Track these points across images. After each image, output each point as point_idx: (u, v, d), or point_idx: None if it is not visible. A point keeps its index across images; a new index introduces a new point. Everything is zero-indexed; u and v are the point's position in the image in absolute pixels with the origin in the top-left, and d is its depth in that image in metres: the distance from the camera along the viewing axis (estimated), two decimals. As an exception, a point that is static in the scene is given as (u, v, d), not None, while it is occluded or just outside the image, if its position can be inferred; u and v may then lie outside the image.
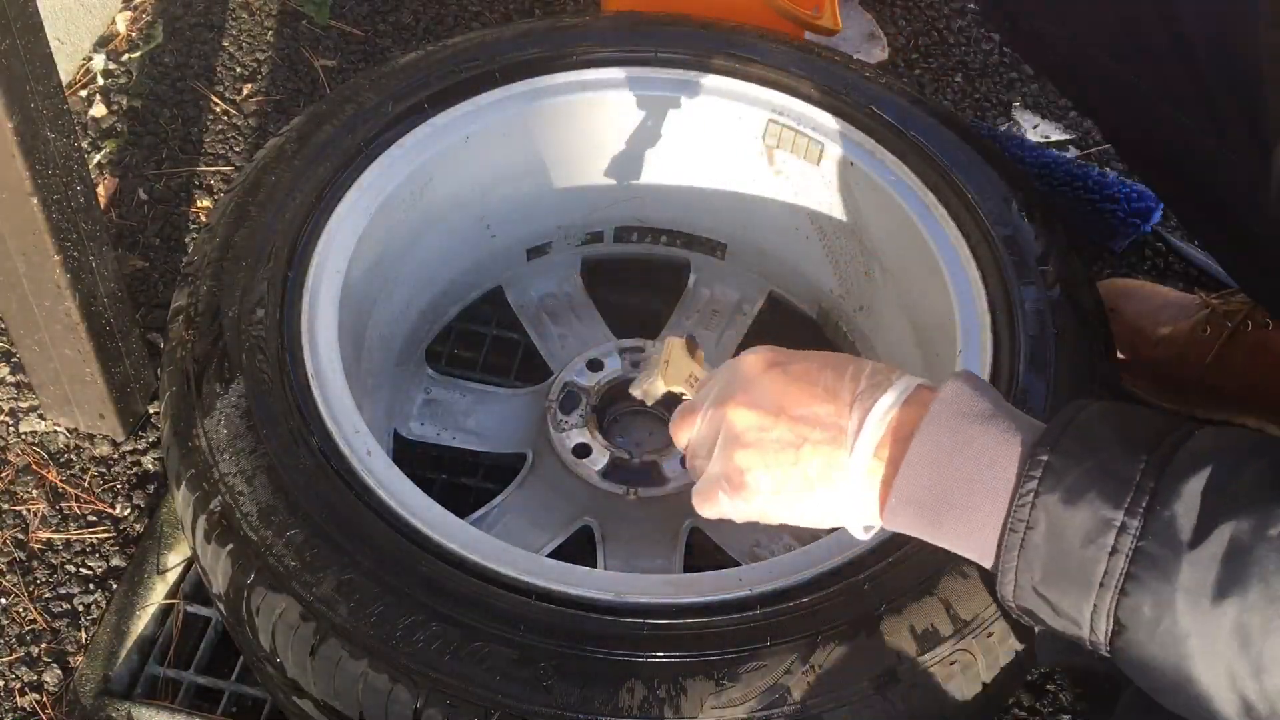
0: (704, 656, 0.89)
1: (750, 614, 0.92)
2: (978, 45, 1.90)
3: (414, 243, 1.30)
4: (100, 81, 1.74)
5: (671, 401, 1.28)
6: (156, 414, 1.38)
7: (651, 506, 1.23)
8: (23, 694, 1.20)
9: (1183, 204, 1.32)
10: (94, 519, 1.32)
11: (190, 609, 1.25)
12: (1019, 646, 0.95)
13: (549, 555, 1.18)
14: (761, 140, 1.34)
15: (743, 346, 1.44)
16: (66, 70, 1.72)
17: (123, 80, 1.74)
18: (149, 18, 1.82)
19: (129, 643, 1.22)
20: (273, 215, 1.15)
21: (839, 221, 1.35)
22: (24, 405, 1.40)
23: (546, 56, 1.31)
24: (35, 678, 1.22)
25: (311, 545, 0.94)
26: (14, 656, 1.23)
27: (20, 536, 1.30)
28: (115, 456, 1.37)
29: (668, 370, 0.97)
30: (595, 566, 1.22)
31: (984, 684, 0.93)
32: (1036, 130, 1.79)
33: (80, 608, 1.26)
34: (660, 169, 1.41)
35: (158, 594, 1.25)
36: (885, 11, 1.93)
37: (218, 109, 1.72)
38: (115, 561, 1.29)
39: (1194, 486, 0.68)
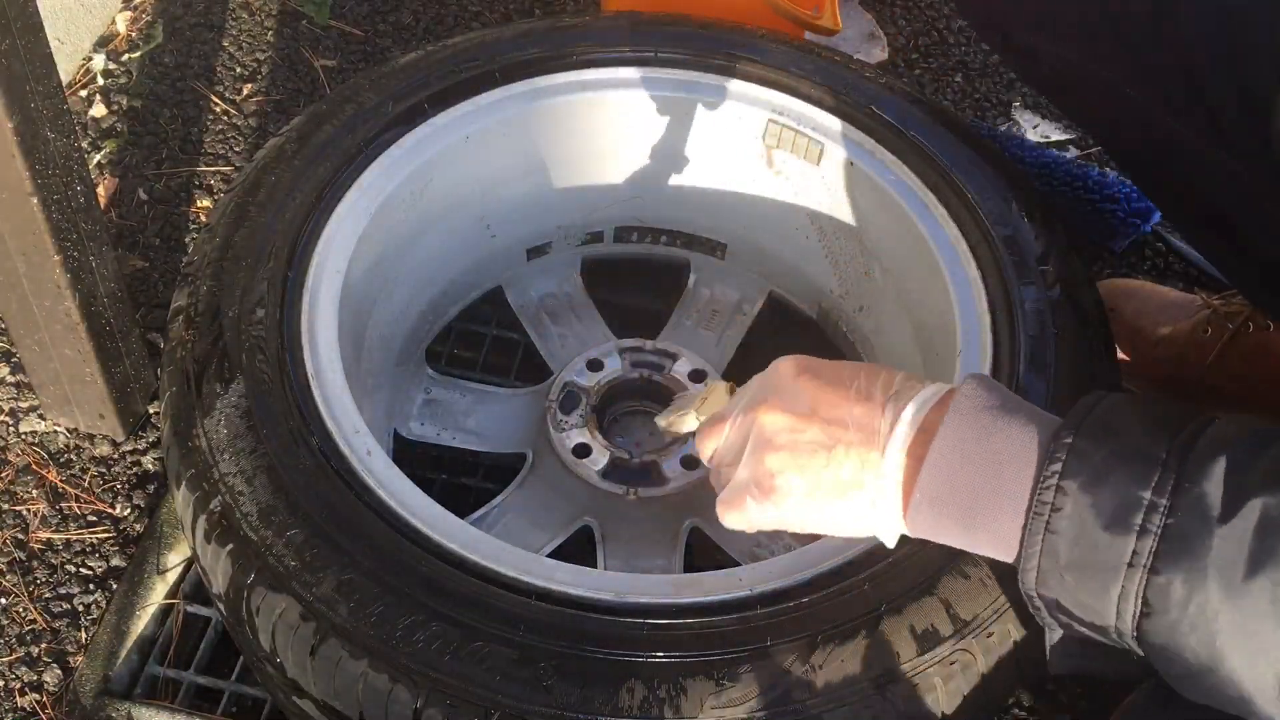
0: (704, 656, 0.89)
1: (750, 614, 0.92)
2: (978, 45, 1.90)
3: (414, 243, 1.30)
4: (100, 81, 1.74)
5: (662, 394, 1.29)
6: (156, 414, 1.38)
7: (651, 506, 1.23)
8: (23, 694, 1.20)
9: (1181, 212, 1.32)
10: (94, 519, 1.32)
11: (190, 609, 1.25)
12: (1019, 647, 0.95)
13: (549, 555, 1.18)
14: (761, 140, 1.34)
15: (743, 346, 1.44)
16: (66, 70, 1.72)
17: (123, 80, 1.74)
18: (149, 18, 1.82)
19: (129, 643, 1.22)
20: (273, 215, 1.15)
21: (839, 221, 1.35)
22: (24, 405, 1.40)
23: (546, 56, 1.31)
24: (35, 678, 1.22)
25: (311, 545, 0.94)
26: (14, 656, 1.23)
27: (20, 536, 1.30)
28: (115, 456, 1.37)
29: (703, 405, 0.98)
30: (595, 566, 1.22)
31: (984, 684, 0.93)
32: (1036, 130, 1.79)
33: (80, 608, 1.26)
34: (660, 169, 1.41)
35: (158, 594, 1.25)
36: (885, 11, 1.93)
37: (218, 109, 1.72)
38: (115, 561, 1.29)
39: (1220, 466, 0.68)
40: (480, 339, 1.46)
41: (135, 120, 1.69)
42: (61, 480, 1.35)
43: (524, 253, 1.46)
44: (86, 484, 1.35)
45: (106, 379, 1.30)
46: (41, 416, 1.39)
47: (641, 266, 1.51)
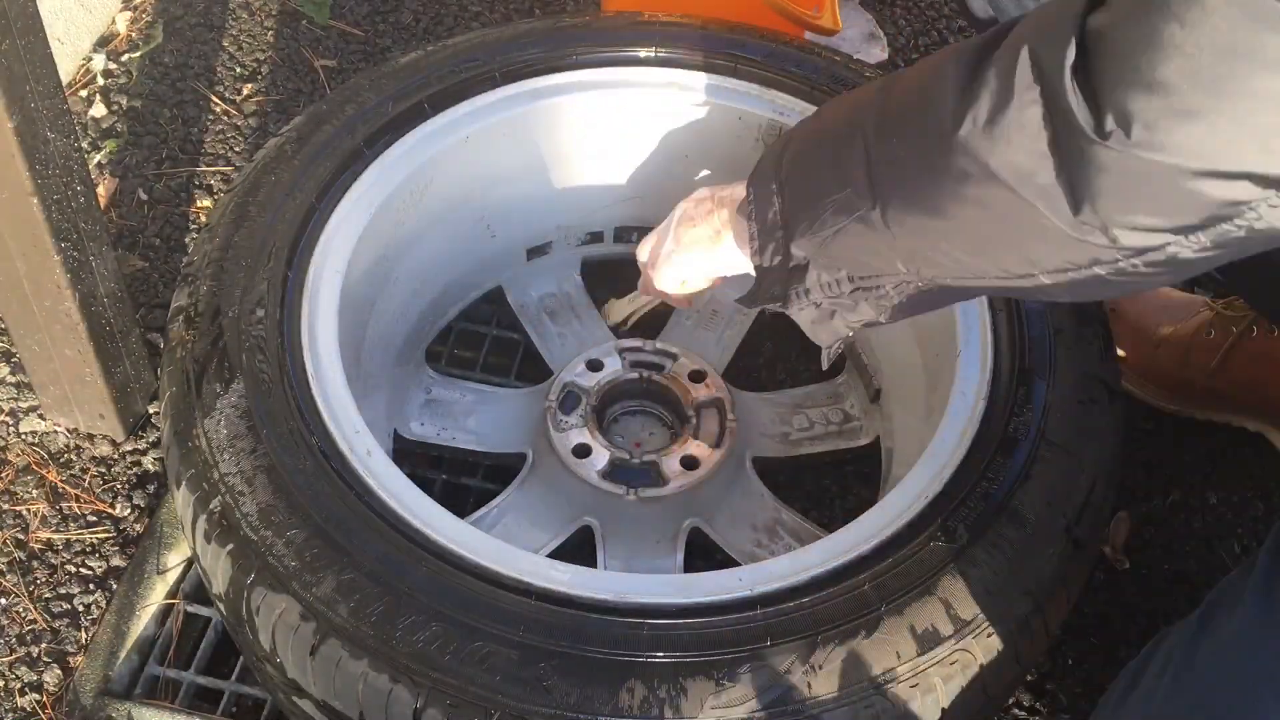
0: (704, 656, 0.89)
1: (750, 614, 0.92)
2: (978, 45, 1.90)
3: (414, 243, 1.30)
4: (100, 81, 1.74)
5: (662, 394, 1.30)
6: (156, 414, 1.38)
7: (651, 506, 1.23)
8: (23, 694, 1.20)
9: None
10: (94, 519, 1.32)
11: (190, 609, 1.25)
12: (1019, 647, 0.95)
13: (549, 555, 1.18)
14: (762, 140, 1.34)
15: (742, 346, 1.44)
16: (66, 70, 1.72)
17: (123, 80, 1.74)
18: (149, 18, 1.82)
19: (129, 643, 1.22)
20: (273, 215, 1.15)
21: (839, 221, 1.35)
22: (24, 405, 1.40)
23: (546, 56, 1.31)
24: (35, 678, 1.22)
25: (311, 545, 0.94)
26: (14, 656, 1.23)
27: (20, 536, 1.30)
28: (115, 456, 1.37)
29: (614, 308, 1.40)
30: (595, 566, 1.22)
31: (984, 684, 0.93)
32: (1036, 130, 1.79)
33: (80, 608, 1.26)
34: (660, 169, 1.41)
35: (158, 594, 1.25)
36: (885, 11, 1.93)
37: (218, 109, 1.72)
38: (115, 561, 1.29)
39: None
40: (480, 339, 1.46)
41: (135, 120, 1.69)
42: (61, 480, 1.35)
43: (524, 253, 1.46)
44: (86, 484, 1.35)
45: (106, 379, 1.30)
46: (41, 416, 1.39)
47: (641, 266, 1.51)
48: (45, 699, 1.20)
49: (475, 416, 1.35)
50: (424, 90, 1.26)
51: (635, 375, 1.33)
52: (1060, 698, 1.24)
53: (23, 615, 1.25)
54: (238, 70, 1.77)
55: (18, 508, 1.32)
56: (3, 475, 1.35)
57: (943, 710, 0.91)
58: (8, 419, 1.39)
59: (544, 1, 1.92)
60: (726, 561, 1.23)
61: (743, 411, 1.31)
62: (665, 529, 1.25)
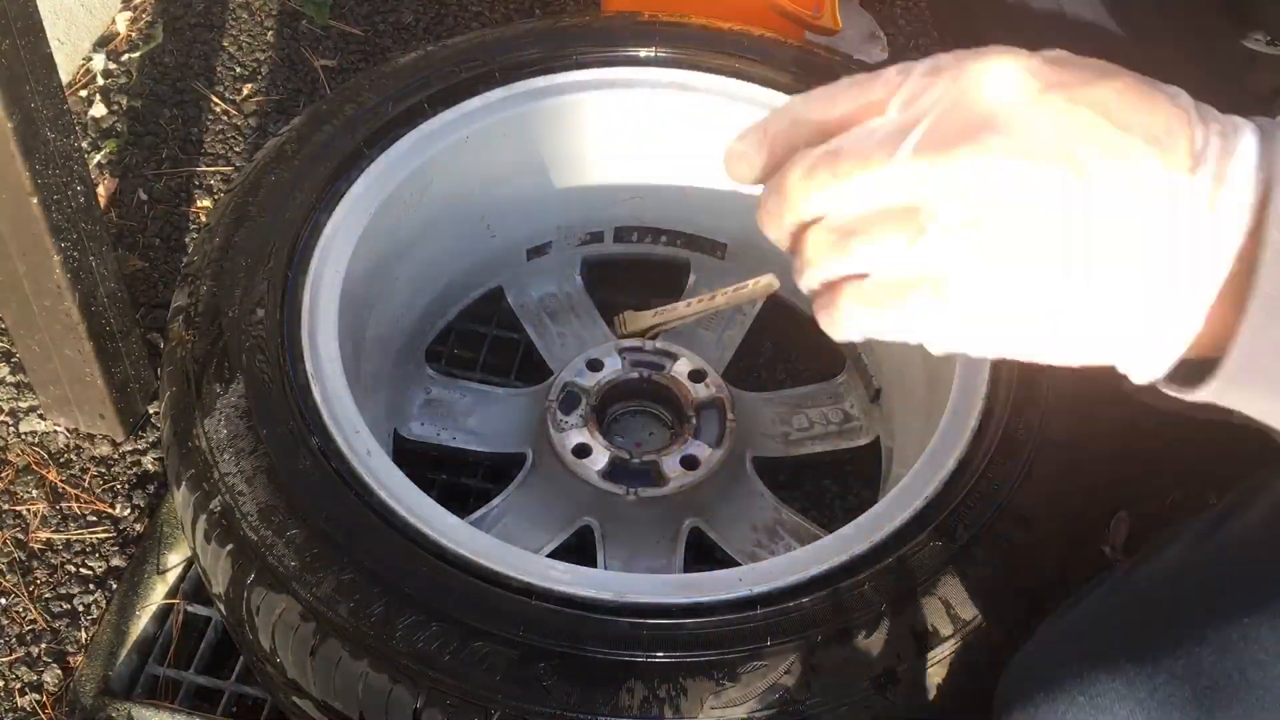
0: (704, 656, 0.89)
1: (750, 614, 0.92)
2: (978, 45, 1.90)
3: (414, 243, 1.30)
4: (100, 81, 1.74)
5: (662, 394, 1.29)
6: (156, 414, 1.38)
7: (651, 506, 1.23)
8: (23, 694, 1.20)
9: None
10: (94, 519, 1.32)
11: (190, 609, 1.25)
12: (1019, 646, 0.95)
13: (549, 555, 1.18)
14: (761, 140, 1.34)
15: (742, 346, 1.44)
16: (66, 70, 1.72)
17: (123, 80, 1.74)
18: (149, 18, 1.82)
19: (129, 643, 1.22)
20: (273, 215, 1.15)
21: (839, 221, 1.35)
22: (24, 405, 1.40)
23: (546, 56, 1.31)
24: (35, 678, 1.22)
25: (311, 545, 0.94)
26: (14, 656, 1.23)
27: (20, 536, 1.30)
28: (115, 456, 1.37)
29: (632, 320, 1.23)
30: (595, 566, 1.22)
31: (984, 684, 0.93)
32: (1036, 130, 1.79)
33: (80, 608, 1.26)
34: (660, 169, 1.41)
35: (158, 594, 1.25)
36: (885, 11, 1.93)
37: (218, 109, 1.72)
38: (115, 561, 1.29)
39: None
40: (480, 339, 1.46)
41: (135, 120, 1.69)
42: (61, 480, 1.35)
43: (524, 253, 1.46)
44: (86, 484, 1.35)
45: (106, 379, 1.30)
46: (41, 416, 1.39)
47: (641, 266, 1.51)
48: (45, 699, 1.20)
49: (475, 417, 1.35)
50: (424, 90, 1.26)
51: (635, 375, 1.33)
52: (1060, 698, 1.24)
53: (23, 615, 1.25)
54: (238, 70, 1.77)
55: (18, 508, 1.32)
56: (3, 475, 1.35)
57: (943, 710, 0.91)
58: (8, 419, 1.39)
59: (544, 1, 1.92)
60: (726, 561, 1.23)
61: (743, 411, 1.31)
62: (665, 529, 1.25)
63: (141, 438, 1.38)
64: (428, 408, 1.35)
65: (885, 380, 1.36)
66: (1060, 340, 0.53)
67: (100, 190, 1.60)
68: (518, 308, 1.45)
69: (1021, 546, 0.97)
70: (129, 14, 1.82)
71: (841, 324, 0.58)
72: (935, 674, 0.91)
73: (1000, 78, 0.51)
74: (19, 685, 1.21)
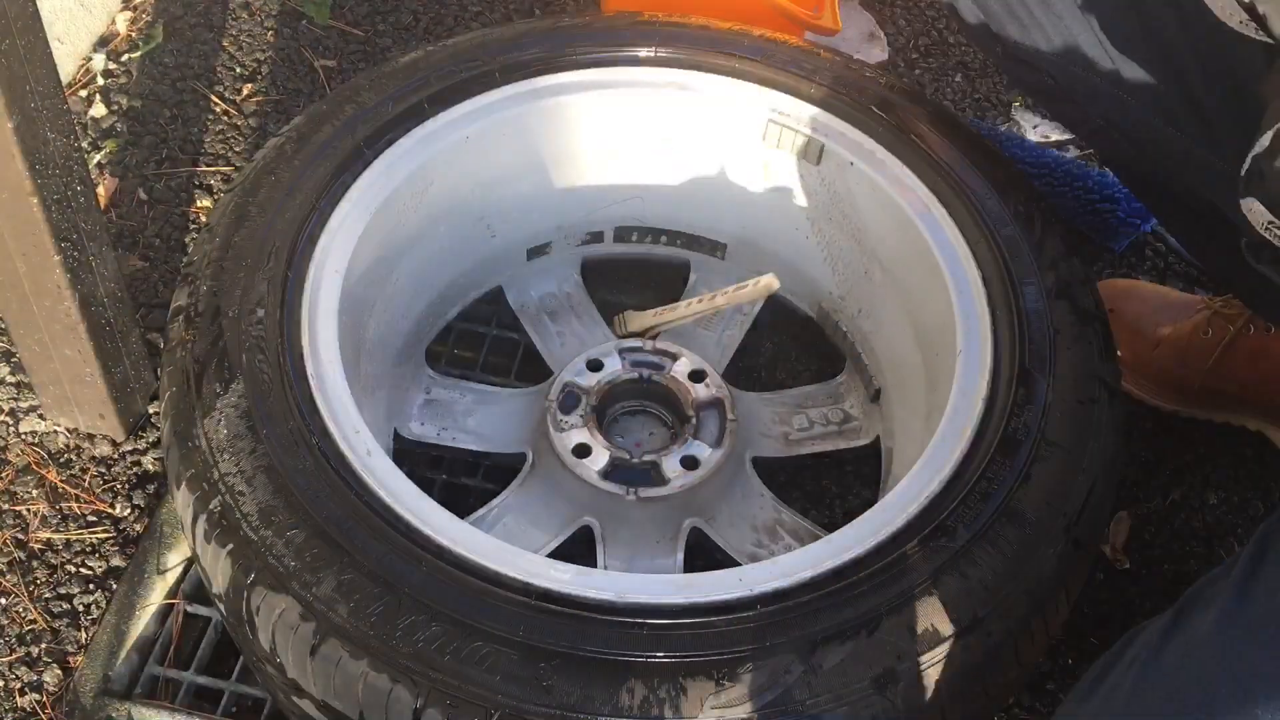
0: (704, 656, 0.89)
1: (750, 614, 0.92)
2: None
3: (414, 243, 1.30)
4: (100, 81, 1.74)
5: (662, 394, 1.30)
6: (156, 414, 1.38)
7: (651, 506, 1.23)
8: (23, 694, 1.20)
9: (1177, 219, 1.31)
10: (94, 519, 1.32)
11: (190, 609, 1.25)
12: (1019, 646, 0.95)
13: (549, 555, 1.18)
14: (761, 140, 1.34)
15: (742, 346, 1.44)
16: (66, 70, 1.72)
17: (123, 80, 1.74)
18: (149, 18, 1.82)
19: (129, 643, 1.22)
20: (273, 215, 1.15)
21: (839, 222, 1.35)
22: (24, 405, 1.40)
23: (546, 56, 1.31)
24: (35, 678, 1.22)
25: (311, 545, 0.94)
26: (14, 656, 1.23)
27: (20, 536, 1.30)
28: (115, 456, 1.37)
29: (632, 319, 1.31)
30: (595, 566, 1.22)
31: (984, 684, 0.93)
32: (1036, 130, 1.79)
33: (80, 608, 1.26)
34: (660, 169, 1.41)
35: (158, 594, 1.25)
36: (885, 11, 1.93)
37: (218, 109, 1.72)
38: (115, 561, 1.29)
39: None
40: (480, 339, 1.46)
41: (135, 120, 1.69)
42: (61, 480, 1.35)
43: (524, 253, 1.46)
44: (86, 484, 1.35)
45: (106, 379, 1.30)
46: (41, 416, 1.39)
47: (641, 266, 1.51)
48: (45, 699, 1.20)
49: (475, 416, 1.35)
50: (424, 90, 1.26)
51: (635, 375, 1.33)
52: (1060, 698, 1.24)
53: (23, 615, 1.25)
54: (238, 70, 1.77)
55: (18, 508, 1.32)
56: (3, 475, 1.35)
57: (943, 710, 0.91)
58: (8, 419, 1.39)
59: (544, 1, 1.92)
60: (726, 561, 1.23)
61: (743, 411, 1.31)
62: (665, 529, 1.25)
63: (141, 438, 1.38)
64: (428, 408, 1.35)
65: (885, 380, 1.36)
66: None
67: (100, 190, 1.60)
68: (518, 308, 1.45)
69: (1021, 546, 0.97)
70: (129, 14, 1.82)
71: None
72: (935, 674, 0.91)
73: None
74: (19, 685, 1.21)
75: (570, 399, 1.30)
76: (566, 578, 0.94)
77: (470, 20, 1.87)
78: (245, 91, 1.74)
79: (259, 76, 1.77)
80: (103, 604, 1.26)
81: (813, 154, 1.31)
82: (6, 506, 1.32)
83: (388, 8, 1.87)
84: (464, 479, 1.34)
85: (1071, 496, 1.01)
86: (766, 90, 1.32)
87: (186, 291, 1.12)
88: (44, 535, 1.31)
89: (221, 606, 0.99)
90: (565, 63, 1.31)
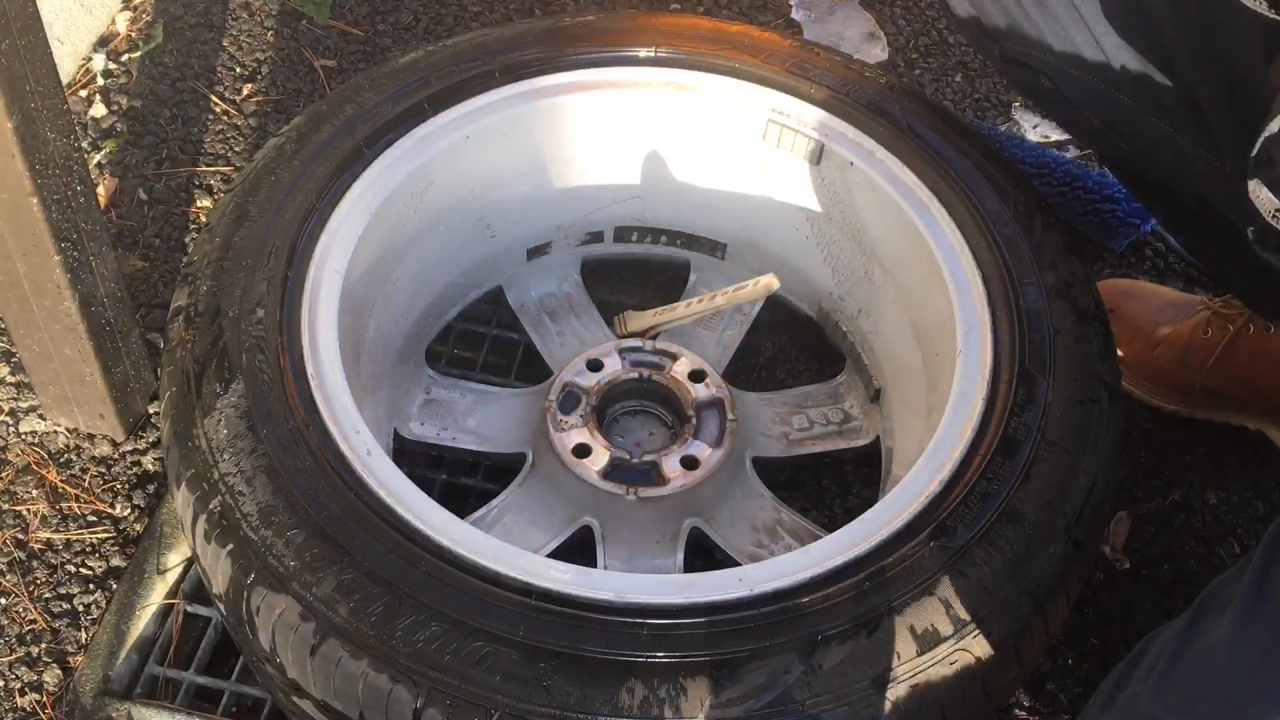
0: (704, 656, 0.89)
1: (750, 614, 0.92)
2: (978, 45, 1.90)
3: (414, 243, 1.30)
4: (100, 81, 1.74)
5: (662, 394, 1.29)
6: (156, 414, 1.38)
7: (651, 506, 1.23)
8: (23, 694, 1.20)
9: (1178, 220, 1.31)
10: (94, 519, 1.32)
11: (190, 609, 1.25)
12: (1019, 646, 0.95)
13: (549, 555, 1.18)
14: (761, 140, 1.34)
15: (742, 346, 1.44)
16: (66, 70, 1.72)
17: (123, 80, 1.74)
18: (149, 18, 1.82)
19: (129, 643, 1.22)
20: (273, 215, 1.15)
21: (838, 221, 1.35)
22: (24, 405, 1.40)
23: (546, 56, 1.31)
24: (35, 678, 1.22)
25: (311, 545, 0.94)
26: (14, 656, 1.23)
27: (20, 536, 1.30)
28: (115, 456, 1.37)
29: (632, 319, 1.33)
30: (595, 566, 1.22)
31: (984, 684, 0.93)
32: (1036, 130, 1.79)
33: (80, 608, 1.26)
34: (660, 169, 1.41)
35: (158, 594, 1.25)
36: (885, 11, 1.93)
37: (218, 109, 1.72)
38: (115, 561, 1.29)
39: None
40: (480, 339, 1.46)
41: (135, 120, 1.69)
42: (61, 480, 1.35)
43: (524, 253, 1.46)
44: (86, 484, 1.35)
45: (106, 379, 1.30)
46: (41, 416, 1.39)
47: (641, 266, 1.51)
48: (45, 699, 1.20)
49: (475, 416, 1.35)
50: (424, 90, 1.26)
51: (635, 375, 1.33)
52: (1060, 698, 1.24)
53: (23, 615, 1.25)
54: (238, 70, 1.77)
55: (18, 508, 1.32)
56: (3, 475, 1.35)
57: (943, 710, 0.91)
58: (8, 419, 1.39)
59: (544, 1, 1.92)
60: (726, 561, 1.23)
61: (743, 411, 1.31)
62: (665, 529, 1.25)
63: (141, 438, 1.38)
64: (428, 408, 1.35)
65: (885, 380, 1.36)
66: None
67: (100, 190, 1.60)
68: (518, 308, 1.45)
69: (1021, 546, 0.97)
70: (129, 14, 1.82)
71: None
72: (935, 674, 0.91)
73: None
74: (19, 685, 1.21)
75: (570, 399, 1.30)
76: (566, 578, 0.94)
77: (470, 20, 1.87)
78: (245, 91, 1.74)
79: (259, 76, 1.77)
80: (103, 604, 1.26)
81: (813, 154, 1.31)
82: (6, 506, 1.32)
83: (388, 8, 1.87)
84: (464, 479, 1.34)
85: (1071, 496, 1.01)
86: (766, 90, 1.32)
87: (186, 291, 1.12)
88: (44, 535, 1.31)
89: (221, 606, 0.99)
90: (565, 63, 1.31)
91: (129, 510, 1.33)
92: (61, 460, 1.36)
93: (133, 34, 1.80)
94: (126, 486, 1.35)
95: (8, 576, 1.28)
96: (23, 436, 1.38)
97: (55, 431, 1.38)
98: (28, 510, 1.32)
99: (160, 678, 1.22)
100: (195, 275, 1.12)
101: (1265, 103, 0.88)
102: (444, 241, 1.35)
